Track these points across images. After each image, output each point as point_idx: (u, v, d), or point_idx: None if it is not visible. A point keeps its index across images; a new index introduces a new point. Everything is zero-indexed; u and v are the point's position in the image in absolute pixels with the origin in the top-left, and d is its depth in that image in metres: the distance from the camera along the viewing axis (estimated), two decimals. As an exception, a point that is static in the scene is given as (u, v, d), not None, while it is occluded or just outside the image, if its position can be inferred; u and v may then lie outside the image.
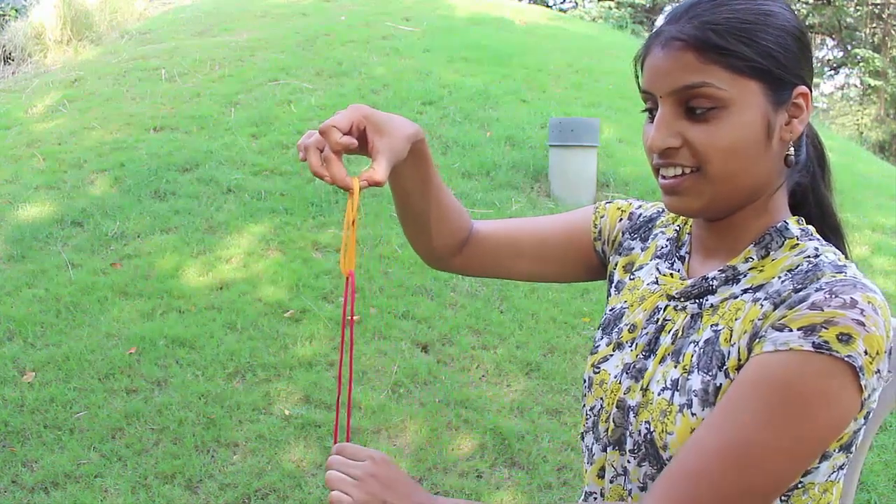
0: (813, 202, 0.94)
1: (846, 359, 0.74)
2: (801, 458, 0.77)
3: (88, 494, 2.44)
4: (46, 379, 3.00)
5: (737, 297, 0.86)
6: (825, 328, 0.75)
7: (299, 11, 7.77)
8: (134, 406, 2.85)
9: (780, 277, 0.84)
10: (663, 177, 0.86)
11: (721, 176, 0.83)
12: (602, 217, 1.09)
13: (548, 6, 14.94)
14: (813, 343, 0.75)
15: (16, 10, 7.54)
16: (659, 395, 0.87)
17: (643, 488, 0.90)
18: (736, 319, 0.85)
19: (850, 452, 0.84)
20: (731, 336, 0.84)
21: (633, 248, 1.05)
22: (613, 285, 1.06)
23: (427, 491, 0.85)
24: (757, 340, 0.81)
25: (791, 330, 0.77)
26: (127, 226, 4.15)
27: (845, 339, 0.74)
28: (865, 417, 0.82)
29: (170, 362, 3.10)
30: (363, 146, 0.86)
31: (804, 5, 16.23)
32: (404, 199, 1.03)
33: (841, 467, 0.84)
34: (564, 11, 14.87)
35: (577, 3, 16.20)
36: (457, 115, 5.56)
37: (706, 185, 0.84)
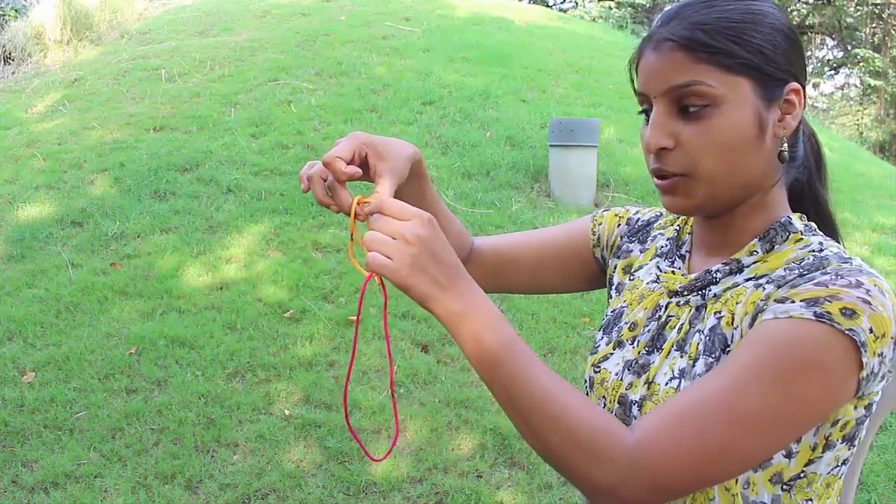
0: (809, 199, 0.95)
1: (847, 332, 0.74)
2: (789, 424, 0.75)
3: (88, 494, 2.44)
4: (46, 379, 3.00)
5: (739, 285, 0.87)
6: (828, 301, 0.75)
7: (299, 11, 7.77)
8: (134, 406, 2.85)
9: (784, 268, 0.84)
10: (658, 178, 0.88)
11: (714, 174, 0.84)
12: (600, 224, 1.11)
13: (548, 6, 14.93)
14: (814, 312, 0.75)
15: (16, 10, 7.54)
16: (666, 384, 0.87)
17: None
18: (737, 303, 0.86)
19: (854, 445, 0.84)
20: (732, 319, 0.85)
21: (632, 251, 1.06)
22: (614, 287, 1.07)
23: (466, 274, 0.77)
24: (759, 315, 0.81)
25: (793, 301, 0.77)
26: (127, 226, 4.15)
27: (849, 313, 0.74)
28: (867, 408, 0.82)
29: (170, 362, 3.10)
30: (365, 172, 0.89)
31: (804, 5, 16.24)
32: None
33: (844, 462, 0.85)
34: (564, 11, 14.87)
35: (577, 3, 16.20)
36: (457, 115, 5.55)
37: (699, 186, 0.85)
